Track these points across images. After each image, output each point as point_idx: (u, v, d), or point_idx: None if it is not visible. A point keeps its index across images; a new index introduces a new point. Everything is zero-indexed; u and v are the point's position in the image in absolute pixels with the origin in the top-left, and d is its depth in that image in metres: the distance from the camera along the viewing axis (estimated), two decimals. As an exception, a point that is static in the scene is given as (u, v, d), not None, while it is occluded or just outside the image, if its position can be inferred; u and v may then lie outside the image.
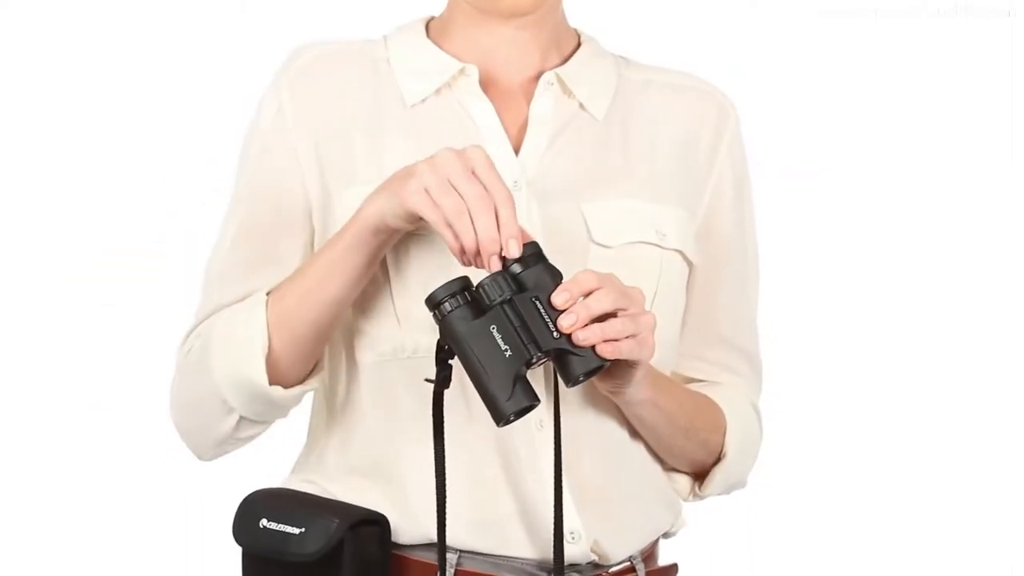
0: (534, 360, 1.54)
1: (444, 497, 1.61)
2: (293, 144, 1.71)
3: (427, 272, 1.64)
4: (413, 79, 1.73)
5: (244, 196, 1.74)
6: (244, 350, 1.67)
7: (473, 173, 1.55)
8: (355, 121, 1.72)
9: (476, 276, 1.56)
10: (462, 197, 1.54)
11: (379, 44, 1.77)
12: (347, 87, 1.73)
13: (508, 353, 1.53)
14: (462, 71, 1.73)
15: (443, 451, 1.60)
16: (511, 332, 1.53)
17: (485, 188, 1.55)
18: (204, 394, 1.71)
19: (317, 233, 1.72)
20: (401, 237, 1.65)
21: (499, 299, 1.54)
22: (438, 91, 1.72)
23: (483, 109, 1.72)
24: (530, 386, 1.55)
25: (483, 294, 1.54)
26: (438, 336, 1.56)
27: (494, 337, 1.53)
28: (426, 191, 1.55)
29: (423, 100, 1.72)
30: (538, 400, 1.55)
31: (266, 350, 1.66)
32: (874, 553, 3.11)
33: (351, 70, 1.74)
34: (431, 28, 1.78)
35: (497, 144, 1.70)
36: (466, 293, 1.55)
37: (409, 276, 1.66)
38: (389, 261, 1.67)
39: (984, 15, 3.13)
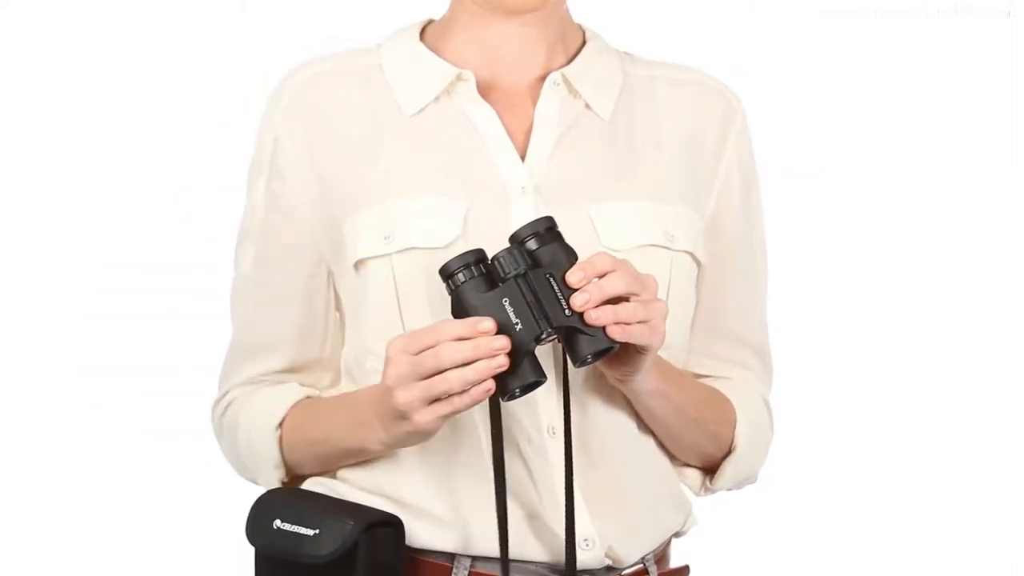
0: (544, 336, 1.53)
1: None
2: (293, 172, 1.70)
3: (436, 288, 1.61)
4: (409, 88, 1.70)
5: (253, 231, 1.74)
6: (262, 467, 1.75)
7: (424, 351, 1.54)
8: (355, 141, 1.69)
9: (491, 250, 1.55)
10: (441, 373, 1.53)
11: (372, 53, 1.74)
12: (343, 106, 1.71)
13: (519, 327, 1.52)
14: (459, 77, 1.71)
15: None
16: (523, 306, 1.53)
17: (439, 353, 1.53)
18: (244, 461, 1.77)
19: (326, 256, 1.72)
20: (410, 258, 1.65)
21: (513, 272, 1.53)
22: (437, 99, 1.70)
23: (485, 115, 1.70)
24: (538, 363, 1.54)
25: (498, 267, 1.54)
26: (450, 308, 1.55)
27: (506, 310, 1.53)
28: (423, 400, 1.55)
29: (422, 109, 1.70)
30: (544, 377, 1.54)
31: (283, 472, 1.75)
32: (885, 551, 3.10)
33: (344, 88, 1.72)
34: (429, 31, 1.75)
35: (501, 150, 1.68)
36: (480, 265, 1.54)
37: (418, 292, 1.65)
38: (398, 278, 1.65)
39: (984, 15, 3.13)
